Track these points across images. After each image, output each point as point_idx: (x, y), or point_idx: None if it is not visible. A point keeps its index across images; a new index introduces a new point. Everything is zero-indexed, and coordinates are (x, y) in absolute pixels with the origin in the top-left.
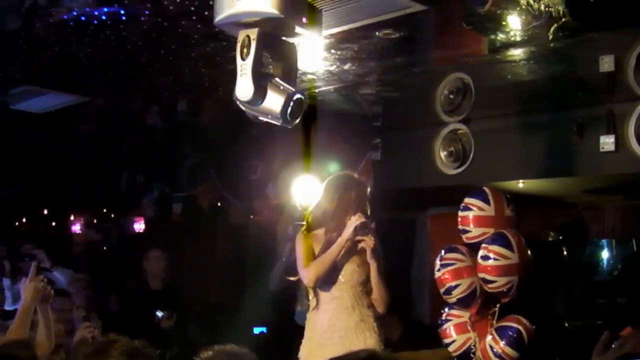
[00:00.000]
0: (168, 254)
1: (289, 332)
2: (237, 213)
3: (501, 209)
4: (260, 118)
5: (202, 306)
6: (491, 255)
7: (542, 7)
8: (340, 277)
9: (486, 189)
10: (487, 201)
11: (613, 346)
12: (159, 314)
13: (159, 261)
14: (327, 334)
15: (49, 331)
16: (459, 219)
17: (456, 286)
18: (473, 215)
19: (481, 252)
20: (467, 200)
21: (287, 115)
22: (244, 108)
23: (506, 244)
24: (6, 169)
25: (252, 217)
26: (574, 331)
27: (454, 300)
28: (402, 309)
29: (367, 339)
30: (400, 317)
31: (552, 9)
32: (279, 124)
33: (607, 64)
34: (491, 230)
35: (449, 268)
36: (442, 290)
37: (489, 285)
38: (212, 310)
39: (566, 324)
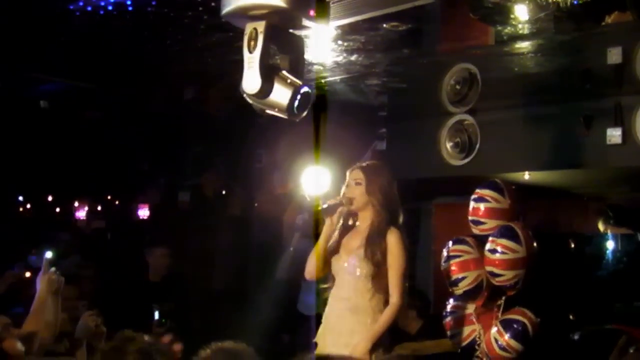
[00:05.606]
0: (172, 247)
1: (293, 320)
2: (241, 202)
3: (514, 201)
4: (267, 111)
5: (205, 295)
6: (499, 248)
7: None
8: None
9: (499, 181)
10: (502, 193)
11: (631, 351)
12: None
13: (163, 258)
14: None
15: (56, 320)
16: (470, 209)
17: (463, 278)
18: (487, 207)
19: (489, 245)
20: (480, 191)
21: (294, 109)
22: (250, 101)
23: (514, 237)
24: (11, 155)
25: (256, 205)
26: (587, 335)
27: (460, 292)
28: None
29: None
30: (419, 312)
31: (560, 0)
32: (285, 117)
33: (614, 56)
34: (505, 223)
35: (456, 260)
36: (448, 282)
37: (497, 279)
38: (215, 299)
39: (571, 317)
